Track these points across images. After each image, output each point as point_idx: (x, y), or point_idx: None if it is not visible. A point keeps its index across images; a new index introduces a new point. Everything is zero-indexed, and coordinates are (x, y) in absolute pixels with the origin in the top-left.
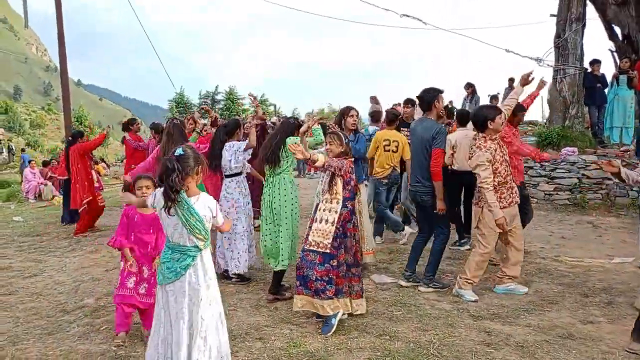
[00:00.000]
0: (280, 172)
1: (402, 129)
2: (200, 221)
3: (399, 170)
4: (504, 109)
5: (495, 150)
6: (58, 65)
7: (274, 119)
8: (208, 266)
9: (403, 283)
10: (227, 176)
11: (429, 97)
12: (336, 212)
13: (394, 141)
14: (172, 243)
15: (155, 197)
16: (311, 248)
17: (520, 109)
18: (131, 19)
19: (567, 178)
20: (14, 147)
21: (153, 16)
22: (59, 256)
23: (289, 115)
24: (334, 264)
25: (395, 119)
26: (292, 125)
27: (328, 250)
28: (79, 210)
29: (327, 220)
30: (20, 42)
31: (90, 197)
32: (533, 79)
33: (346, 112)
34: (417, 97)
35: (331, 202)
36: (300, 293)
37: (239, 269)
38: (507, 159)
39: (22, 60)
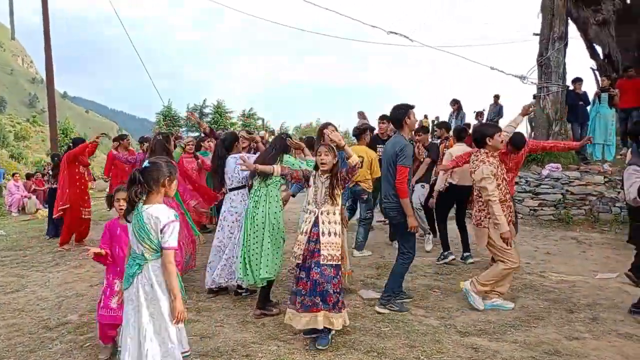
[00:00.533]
0: (269, 185)
1: (377, 145)
2: (143, 229)
3: (363, 186)
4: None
5: (497, 167)
6: (44, 77)
7: (262, 132)
8: (154, 280)
9: (378, 309)
10: (231, 189)
11: (399, 114)
12: (337, 223)
13: (359, 156)
14: (132, 249)
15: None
16: (328, 262)
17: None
18: (120, 31)
19: (552, 194)
20: None
21: (145, 30)
22: (42, 271)
23: (276, 128)
24: (339, 276)
25: (361, 133)
26: (283, 143)
27: (339, 262)
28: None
29: (335, 233)
30: (5, 54)
31: (68, 205)
32: (533, 110)
33: (324, 127)
34: (389, 114)
35: (334, 214)
36: (319, 310)
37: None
38: (506, 177)
39: (7, 71)
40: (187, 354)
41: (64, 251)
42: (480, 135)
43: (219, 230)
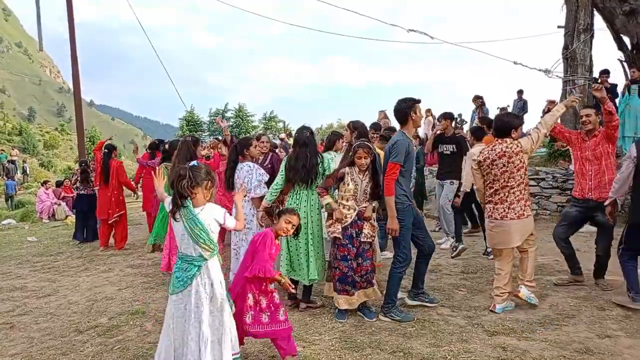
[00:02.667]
0: (312, 189)
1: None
2: (204, 231)
3: None
4: (540, 127)
5: None
6: (71, 86)
7: (282, 135)
8: (214, 277)
9: (409, 302)
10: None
11: (403, 108)
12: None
13: None
14: (181, 253)
15: (167, 202)
16: (367, 240)
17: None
18: (143, 40)
19: None
20: (28, 168)
21: (166, 37)
22: (72, 275)
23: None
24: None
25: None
26: (313, 139)
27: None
28: (109, 221)
29: (372, 224)
30: (34, 65)
31: (123, 212)
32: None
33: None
34: (393, 108)
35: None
36: (363, 287)
37: None
38: None
39: (36, 82)
40: (238, 355)
41: (92, 256)
42: (507, 125)
43: (233, 235)
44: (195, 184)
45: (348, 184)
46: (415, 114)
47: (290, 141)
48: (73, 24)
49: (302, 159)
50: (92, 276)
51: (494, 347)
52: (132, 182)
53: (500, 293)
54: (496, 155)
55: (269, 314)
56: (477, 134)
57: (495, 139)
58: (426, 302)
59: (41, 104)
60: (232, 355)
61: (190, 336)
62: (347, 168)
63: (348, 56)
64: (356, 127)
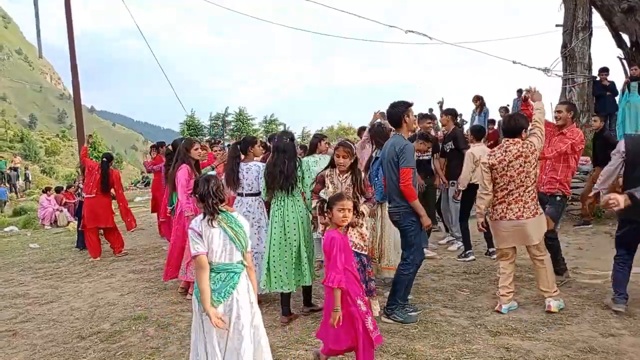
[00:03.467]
0: (294, 195)
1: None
2: (246, 235)
3: None
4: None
5: None
6: (72, 93)
7: None
8: (250, 286)
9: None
10: (248, 195)
11: (397, 112)
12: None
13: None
14: (216, 263)
15: (197, 220)
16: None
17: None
18: (142, 44)
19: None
20: (30, 175)
21: (164, 41)
22: (74, 282)
23: (298, 132)
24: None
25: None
26: (291, 145)
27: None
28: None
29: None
30: (35, 72)
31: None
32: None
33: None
34: (386, 112)
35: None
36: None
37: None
38: None
39: (37, 89)
40: None
41: (95, 262)
42: (519, 126)
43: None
44: (223, 199)
45: (328, 187)
46: (409, 117)
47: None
48: (72, 31)
49: (279, 165)
50: (94, 282)
51: (497, 347)
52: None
53: (507, 293)
54: (513, 156)
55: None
56: (477, 134)
57: (506, 139)
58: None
59: (42, 111)
60: None
61: (233, 346)
62: (327, 170)
63: (348, 57)
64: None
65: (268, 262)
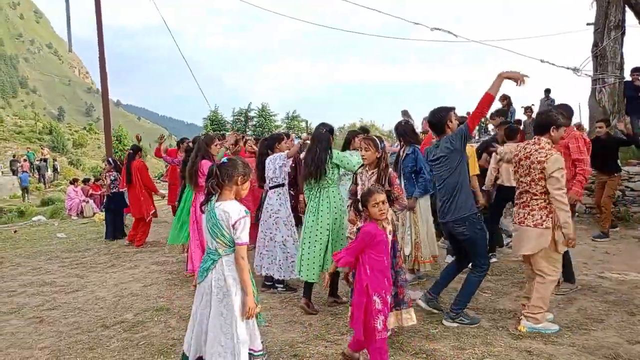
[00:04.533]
0: (327, 186)
1: None
2: (216, 224)
3: None
4: None
5: None
6: (99, 87)
7: (304, 135)
8: (227, 275)
9: (422, 305)
10: (271, 188)
11: (440, 118)
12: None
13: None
14: (207, 246)
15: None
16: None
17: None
18: (167, 40)
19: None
20: (58, 166)
21: (189, 38)
22: (99, 272)
23: None
24: None
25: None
26: (327, 136)
27: None
28: (145, 219)
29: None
30: (64, 66)
31: (154, 209)
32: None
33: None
34: (427, 120)
35: None
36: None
37: (282, 275)
38: None
39: (65, 82)
40: (260, 353)
41: (119, 253)
42: (545, 121)
43: (262, 224)
44: (222, 182)
45: (358, 184)
46: (452, 121)
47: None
48: (101, 26)
49: (312, 152)
50: (119, 272)
51: (520, 350)
52: (159, 181)
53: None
54: (523, 155)
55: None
56: (511, 132)
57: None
58: (439, 310)
59: (70, 104)
60: (251, 350)
61: (205, 327)
62: (359, 168)
63: (369, 55)
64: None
65: (302, 249)
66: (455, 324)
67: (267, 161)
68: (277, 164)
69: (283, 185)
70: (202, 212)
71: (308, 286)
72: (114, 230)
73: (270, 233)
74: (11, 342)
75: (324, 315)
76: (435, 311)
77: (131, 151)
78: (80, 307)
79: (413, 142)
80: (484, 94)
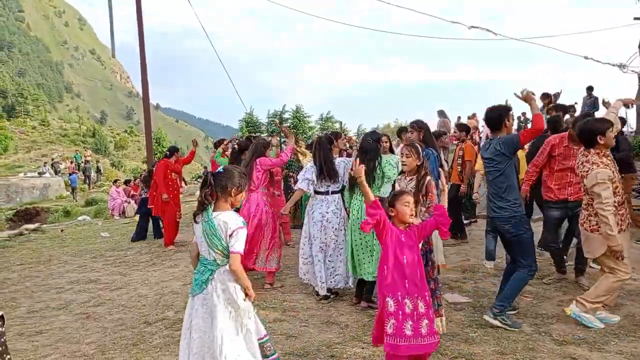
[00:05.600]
0: (374, 190)
1: None
2: (215, 235)
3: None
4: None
5: (612, 168)
6: (140, 91)
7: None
8: (229, 284)
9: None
10: (332, 193)
11: (498, 116)
12: None
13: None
14: (201, 256)
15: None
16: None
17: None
18: (203, 44)
19: None
20: (102, 168)
21: (222, 40)
22: (141, 270)
23: (353, 130)
24: None
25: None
26: (374, 145)
27: None
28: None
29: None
30: (106, 71)
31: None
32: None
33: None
34: (485, 116)
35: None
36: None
37: (348, 283)
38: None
39: (107, 87)
40: (265, 339)
41: (159, 252)
42: (588, 133)
43: (320, 230)
44: (215, 191)
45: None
46: (509, 120)
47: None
48: (142, 32)
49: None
50: (159, 271)
51: (564, 357)
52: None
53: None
54: (580, 164)
55: (411, 323)
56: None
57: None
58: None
59: (112, 108)
60: (259, 339)
61: (210, 338)
62: (399, 175)
63: (404, 56)
64: (421, 127)
65: (352, 251)
66: (497, 322)
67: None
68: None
69: (337, 192)
70: (196, 222)
71: (361, 283)
72: (146, 231)
73: (339, 240)
74: (60, 336)
75: (360, 316)
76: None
77: (167, 152)
78: (124, 304)
79: (430, 145)
80: (534, 115)
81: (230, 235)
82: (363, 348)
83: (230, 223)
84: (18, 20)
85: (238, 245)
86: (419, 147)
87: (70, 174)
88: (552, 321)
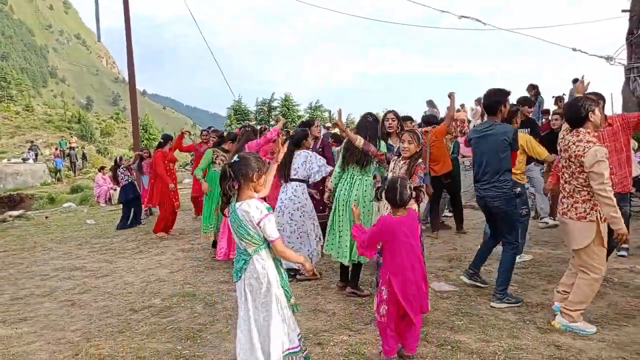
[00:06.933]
0: (363, 175)
1: None
2: (241, 225)
3: (515, 178)
4: None
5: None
6: (126, 77)
7: (328, 124)
8: (260, 273)
9: (464, 279)
10: (293, 180)
11: (497, 100)
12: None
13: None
14: (236, 246)
15: None
16: None
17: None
18: (192, 31)
19: None
20: (87, 154)
21: (213, 29)
22: (127, 257)
23: (342, 120)
24: None
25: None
26: (375, 125)
27: None
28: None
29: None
30: (92, 56)
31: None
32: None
33: (384, 117)
34: (483, 100)
35: None
36: None
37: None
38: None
39: (93, 72)
40: (297, 350)
41: (146, 239)
42: (580, 111)
43: (277, 216)
44: (237, 181)
45: (389, 172)
46: (505, 106)
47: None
48: (129, 16)
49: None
50: (146, 259)
51: (547, 344)
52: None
53: (562, 291)
54: (563, 146)
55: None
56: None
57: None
58: (479, 282)
59: (98, 93)
60: (287, 350)
61: (241, 328)
62: (395, 156)
63: (399, 47)
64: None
65: (333, 233)
66: (504, 304)
67: (298, 154)
68: (302, 159)
69: (306, 182)
70: (225, 215)
71: (344, 270)
72: (127, 220)
73: (293, 223)
74: (45, 323)
75: (348, 304)
76: (480, 285)
77: (161, 140)
78: (110, 291)
79: None
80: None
81: (259, 225)
82: (350, 336)
83: (253, 212)
84: (0, 2)
85: (271, 232)
86: (419, 134)
87: (56, 158)
88: (536, 309)
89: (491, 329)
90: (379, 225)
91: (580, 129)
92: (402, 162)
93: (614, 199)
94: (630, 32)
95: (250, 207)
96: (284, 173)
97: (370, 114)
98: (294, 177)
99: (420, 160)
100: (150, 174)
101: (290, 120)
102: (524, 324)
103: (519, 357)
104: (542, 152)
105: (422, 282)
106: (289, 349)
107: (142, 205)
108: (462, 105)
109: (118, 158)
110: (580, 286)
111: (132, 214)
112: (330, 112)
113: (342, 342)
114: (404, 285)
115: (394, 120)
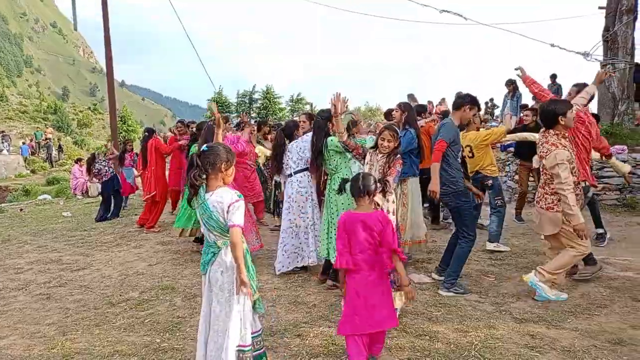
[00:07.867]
0: (335, 172)
1: None
2: (211, 217)
3: (486, 172)
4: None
5: (570, 150)
6: (104, 67)
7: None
8: (227, 266)
9: (435, 276)
10: (297, 172)
11: (461, 102)
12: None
13: None
14: (205, 238)
15: None
16: None
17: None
18: (171, 21)
19: (616, 177)
20: (63, 146)
21: (193, 18)
22: (105, 250)
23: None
24: None
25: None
26: (323, 123)
27: None
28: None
29: (389, 212)
30: (68, 45)
31: (155, 192)
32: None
33: (391, 112)
34: (455, 98)
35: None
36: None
37: (317, 259)
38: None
39: (70, 62)
40: (248, 348)
41: (124, 232)
42: (551, 114)
43: (288, 212)
44: (204, 171)
45: (366, 164)
46: (465, 111)
47: None
48: (107, 5)
49: (312, 141)
50: (124, 252)
51: (522, 334)
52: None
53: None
54: (540, 145)
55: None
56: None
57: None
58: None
59: (75, 84)
60: (238, 347)
61: (207, 319)
62: (371, 149)
63: (382, 37)
64: (406, 108)
65: (325, 230)
66: (451, 293)
67: (292, 146)
68: (297, 149)
69: (307, 168)
70: (191, 207)
71: (327, 264)
72: (108, 212)
73: (306, 216)
74: (19, 317)
75: (328, 296)
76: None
77: (146, 133)
78: (87, 285)
79: (413, 126)
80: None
81: (227, 211)
82: (329, 327)
83: (225, 199)
84: None
85: (235, 217)
86: (397, 130)
87: (23, 145)
88: (512, 300)
89: (468, 320)
90: (339, 221)
91: (550, 130)
92: (380, 156)
93: (572, 197)
94: (606, 29)
95: (223, 195)
96: (277, 166)
97: (322, 110)
98: (297, 169)
99: (398, 155)
100: (133, 166)
101: (271, 112)
102: (500, 314)
103: (495, 347)
104: (495, 130)
105: (381, 287)
106: (239, 346)
107: (124, 197)
108: (443, 99)
109: (96, 153)
110: (563, 255)
111: (112, 206)
112: (311, 104)
113: (322, 334)
114: (358, 285)
115: (390, 142)
